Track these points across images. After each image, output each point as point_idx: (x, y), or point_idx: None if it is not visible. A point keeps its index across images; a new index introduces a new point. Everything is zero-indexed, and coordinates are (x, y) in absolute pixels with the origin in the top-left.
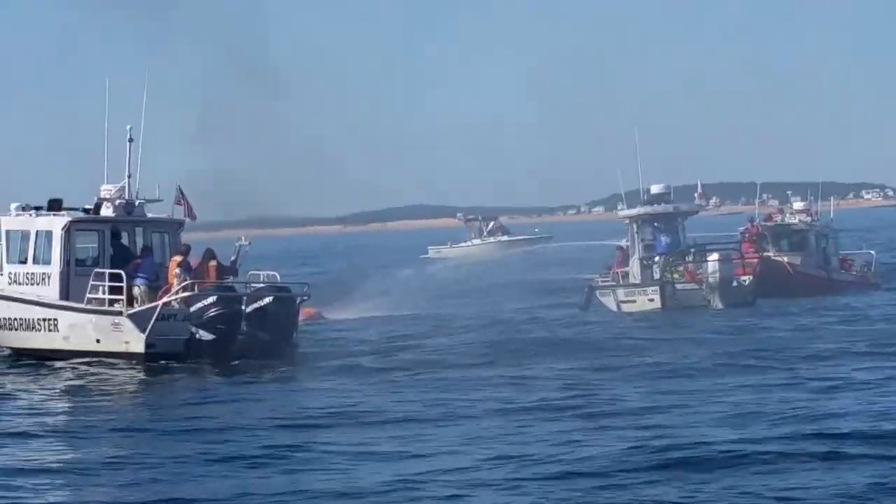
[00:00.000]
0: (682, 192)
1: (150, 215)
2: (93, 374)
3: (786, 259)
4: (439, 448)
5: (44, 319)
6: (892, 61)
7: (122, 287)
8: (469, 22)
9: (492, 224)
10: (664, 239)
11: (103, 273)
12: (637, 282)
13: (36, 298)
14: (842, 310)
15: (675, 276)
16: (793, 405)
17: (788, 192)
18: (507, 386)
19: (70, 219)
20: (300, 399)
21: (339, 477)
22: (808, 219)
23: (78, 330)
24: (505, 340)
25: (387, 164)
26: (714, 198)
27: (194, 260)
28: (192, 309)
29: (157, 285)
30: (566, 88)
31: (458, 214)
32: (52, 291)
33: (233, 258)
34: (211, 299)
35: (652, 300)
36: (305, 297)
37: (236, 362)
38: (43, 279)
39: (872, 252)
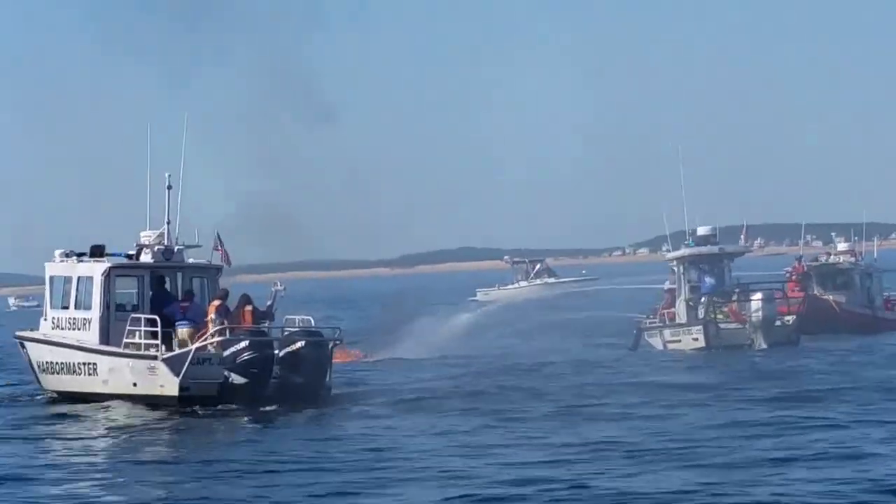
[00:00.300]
0: (726, 232)
1: (190, 260)
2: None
3: (831, 298)
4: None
5: (84, 363)
6: None
7: (157, 332)
8: (518, 66)
9: (538, 266)
10: (709, 280)
11: (139, 318)
12: (683, 322)
13: (77, 343)
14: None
15: (720, 315)
16: None
17: (833, 234)
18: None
19: (109, 265)
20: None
21: None
22: (853, 259)
23: (116, 374)
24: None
25: (431, 206)
26: (758, 239)
27: (231, 305)
28: (225, 353)
29: (202, 329)
30: (612, 131)
31: (505, 257)
32: (92, 336)
33: (269, 303)
34: (243, 343)
35: (696, 339)
36: (338, 342)
37: (270, 408)
38: (84, 324)
39: None
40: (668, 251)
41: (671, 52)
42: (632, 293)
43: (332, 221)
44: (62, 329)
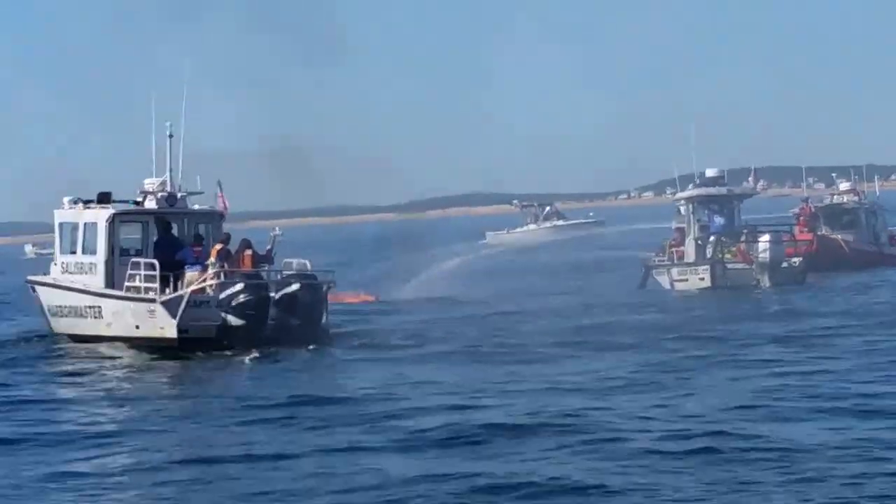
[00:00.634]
0: (729, 175)
1: (195, 207)
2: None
3: (839, 237)
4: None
5: (90, 307)
6: None
7: (155, 275)
8: (529, 12)
9: (547, 209)
10: (718, 220)
11: (139, 262)
12: (691, 261)
13: (83, 287)
14: None
15: (728, 255)
16: None
17: (833, 175)
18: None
19: (114, 211)
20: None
21: None
22: (856, 198)
23: (119, 316)
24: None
25: (439, 152)
26: (761, 181)
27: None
28: (222, 296)
29: None
30: (620, 79)
31: (514, 201)
32: (98, 280)
33: (268, 247)
34: (239, 286)
35: (703, 279)
36: (332, 284)
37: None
38: (90, 268)
39: None
40: (675, 193)
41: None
42: (640, 234)
43: (344, 165)
44: (70, 273)
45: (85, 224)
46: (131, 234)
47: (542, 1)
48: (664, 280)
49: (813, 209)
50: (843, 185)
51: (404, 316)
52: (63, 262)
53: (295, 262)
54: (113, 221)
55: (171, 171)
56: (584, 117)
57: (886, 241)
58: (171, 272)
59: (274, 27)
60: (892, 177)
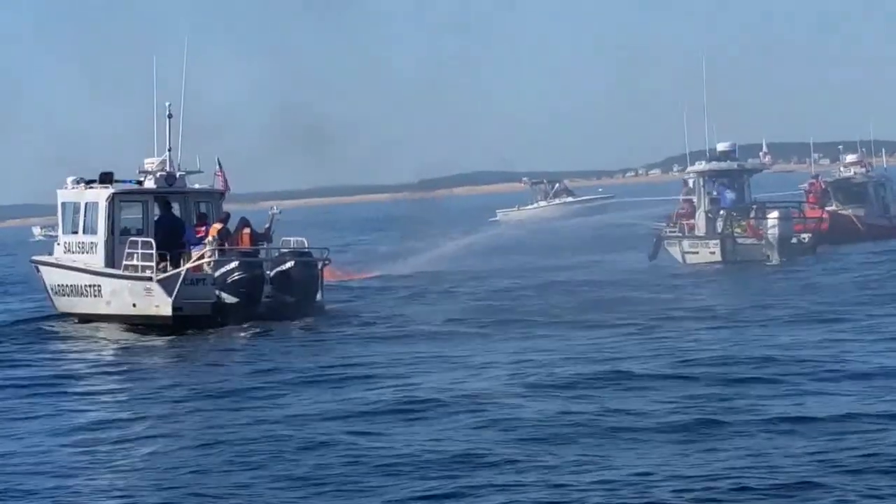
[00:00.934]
0: (739, 151)
1: (196, 186)
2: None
3: (850, 212)
4: None
5: (90, 286)
6: None
7: (151, 254)
8: None
9: (556, 186)
10: (729, 195)
11: (137, 241)
12: (702, 234)
13: (83, 266)
14: None
15: (738, 230)
16: None
17: (840, 147)
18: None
19: (113, 191)
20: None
21: None
22: (864, 170)
23: (117, 295)
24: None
25: (449, 129)
26: (768, 156)
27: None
28: (217, 274)
29: None
30: (624, 55)
31: (524, 178)
32: (98, 259)
33: (266, 225)
34: (233, 264)
35: (713, 253)
36: (327, 261)
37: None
38: (91, 247)
39: None
40: (682, 170)
41: None
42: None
43: (354, 142)
44: (72, 253)
45: (86, 204)
46: (132, 214)
47: None
48: (675, 251)
49: (823, 185)
50: (850, 157)
51: (401, 292)
52: (65, 242)
53: (293, 240)
54: (113, 201)
55: (170, 150)
56: (591, 95)
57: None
58: (171, 251)
59: None
60: None
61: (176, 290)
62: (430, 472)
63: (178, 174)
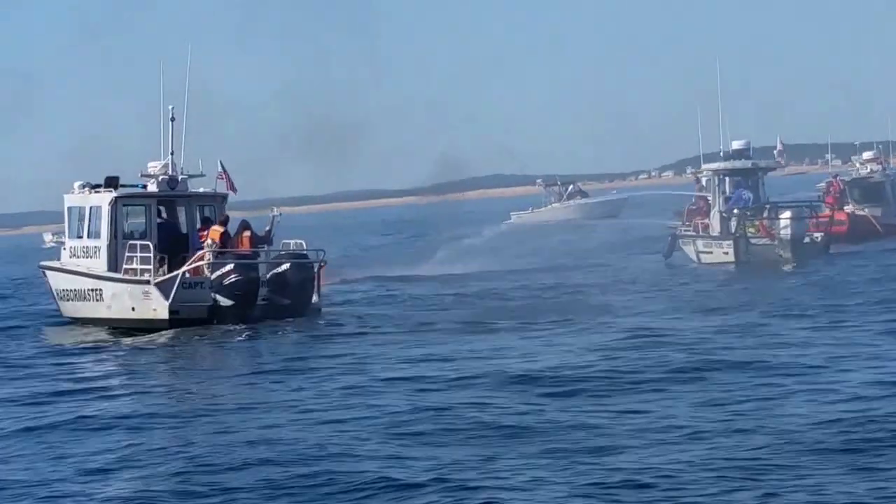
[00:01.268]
0: (754, 153)
1: (201, 189)
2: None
3: (867, 212)
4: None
5: (92, 290)
6: None
7: (149, 257)
8: None
9: (570, 188)
10: (746, 194)
11: (136, 244)
12: (716, 234)
13: (86, 270)
14: None
15: (751, 230)
16: None
17: (856, 143)
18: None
19: (116, 195)
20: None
21: None
22: (880, 167)
23: (118, 299)
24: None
25: (463, 133)
26: (783, 154)
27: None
28: (213, 277)
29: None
30: (638, 56)
31: (538, 180)
32: (101, 263)
33: (267, 228)
34: (228, 267)
35: (727, 253)
36: (322, 263)
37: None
38: (94, 252)
39: None
40: (695, 173)
41: None
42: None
43: (371, 145)
44: (77, 257)
45: (90, 208)
46: (135, 218)
47: None
48: (690, 251)
49: (841, 185)
50: (867, 154)
51: (403, 294)
52: (71, 247)
53: (292, 242)
54: (115, 205)
55: (172, 154)
56: (604, 96)
57: None
58: (174, 255)
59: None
60: None
61: (173, 293)
62: None
63: (180, 178)
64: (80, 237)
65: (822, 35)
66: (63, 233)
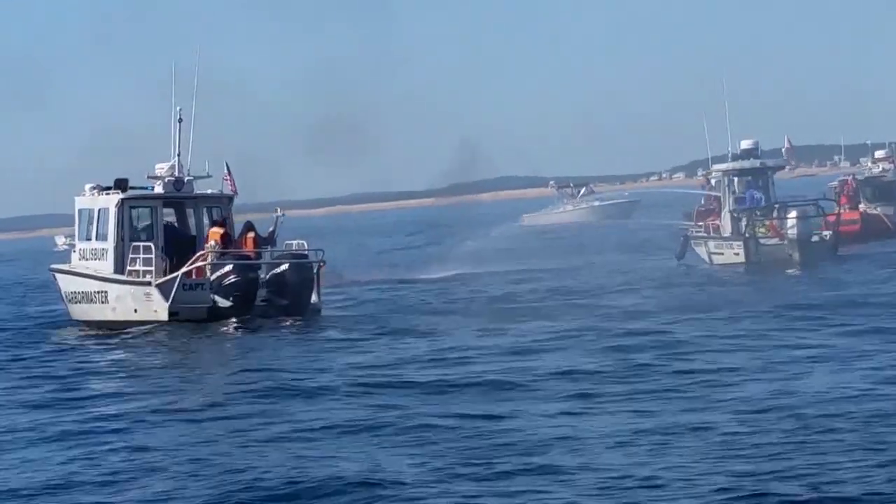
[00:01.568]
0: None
1: (209, 191)
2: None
3: (879, 210)
4: None
5: (98, 292)
6: None
7: (151, 258)
8: None
9: (583, 190)
10: (757, 195)
11: (139, 246)
12: (727, 234)
13: (93, 273)
14: None
15: (761, 230)
16: None
17: (868, 142)
18: None
19: (122, 196)
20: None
21: None
22: (892, 166)
23: (121, 301)
24: None
25: (475, 133)
26: (791, 151)
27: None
28: (212, 278)
29: None
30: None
31: (551, 182)
32: (108, 266)
33: (270, 229)
34: (227, 268)
35: (737, 254)
36: (322, 263)
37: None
38: (102, 254)
39: None
40: (706, 174)
41: None
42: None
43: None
44: (86, 260)
45: (98, 210)
46: (143, 220)
47: None
48: (702, 251)
49: (855, 185)
50: (879, 153)
51: (407, 294)
52: (80, 249)
53: (294, 243)
54: (122, 207)
55: (178, 155)
56: (615, 97)
57: None
58: (182, 256)
59: None
60: None
61: (172, 294)
62: None
63: (186, 179)
64: (89, 239)
65: (821, 35)
66: (73, 235)
